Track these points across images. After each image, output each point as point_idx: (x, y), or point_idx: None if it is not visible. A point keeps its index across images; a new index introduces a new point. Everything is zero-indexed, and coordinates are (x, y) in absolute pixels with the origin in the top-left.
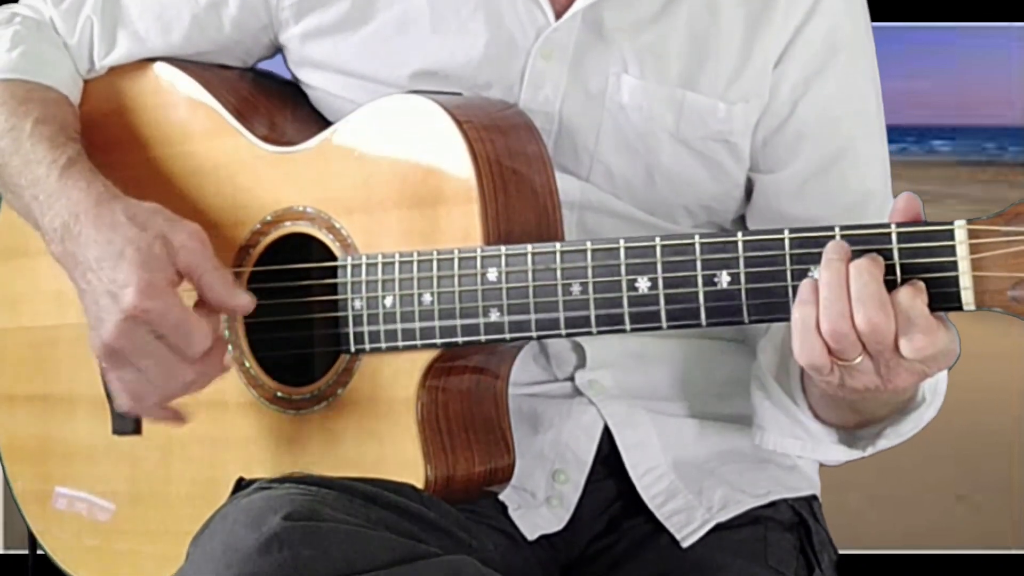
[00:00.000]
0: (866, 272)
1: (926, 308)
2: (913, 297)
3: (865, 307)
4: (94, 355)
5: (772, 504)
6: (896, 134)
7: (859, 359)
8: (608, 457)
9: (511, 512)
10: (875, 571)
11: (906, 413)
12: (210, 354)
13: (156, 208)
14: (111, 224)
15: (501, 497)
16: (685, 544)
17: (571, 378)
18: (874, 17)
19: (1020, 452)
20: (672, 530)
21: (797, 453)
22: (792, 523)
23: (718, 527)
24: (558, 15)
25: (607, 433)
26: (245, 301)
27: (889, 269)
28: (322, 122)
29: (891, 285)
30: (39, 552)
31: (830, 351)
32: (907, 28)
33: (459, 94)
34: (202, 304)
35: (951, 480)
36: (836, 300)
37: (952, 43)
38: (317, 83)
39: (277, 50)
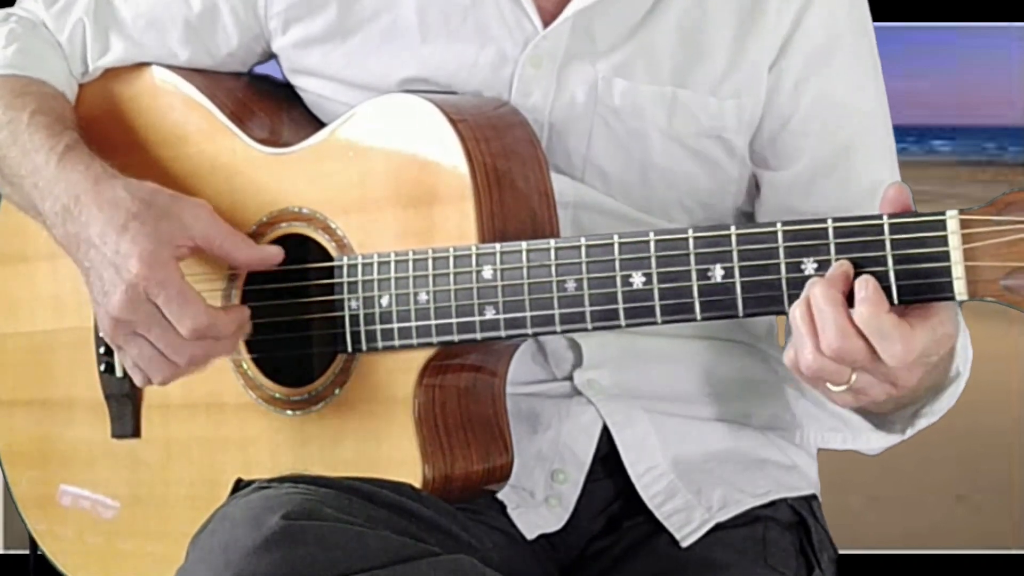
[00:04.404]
0: (821, 300)
1: (892, 318)
2: (875, 313)
3: (826, 337)
4: (104, 334)
5: (772, 503)
6: (896, 134)
7: (854, 378)
8: (607, 457)
9: (510, 511)
10: (875, 571)
11: (942, 389)
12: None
13: (157, 187)
14: (112, 200)
15: (500, 496)
16: (684, 544)
17: (569, 377)
18: (874, 17)
19: (1020, 452)
20: (671, 530)
21: (838, 446)
22: (792, 522)
23: (717, 527)
24: (546, 23)
25: (606, 433)
26: (273, 251)
27: (881, 260)
28: (317, 123)
29: (883, 278)
30: (39, 552)
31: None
32: (907, 28)
33: (453, 93)
34: (230, 308)
35: (951, 480)
36: (805, 336)
37: (952, 43)
38: (310, 89)
39: (271, 56)
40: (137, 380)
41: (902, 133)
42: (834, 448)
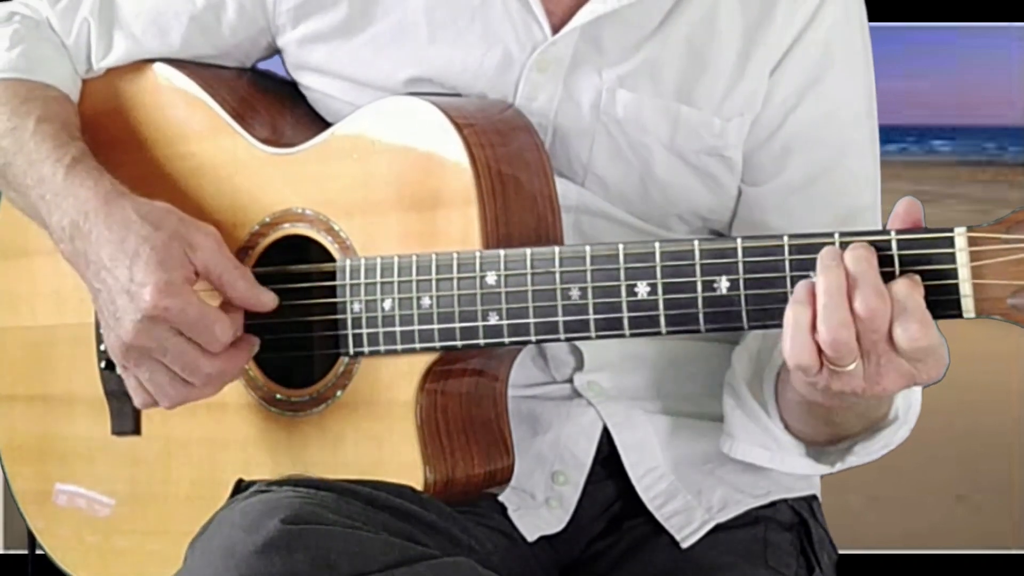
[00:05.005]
0: (863, 260)
1: (922, 300)
2: (910, 288)
3: (863, 293)
4: (111, 354)
5: (772, 504)
6: (896, 134)
7: (853, 365)
8: (607, 458)
9: (510, 513)
10: (875, 571)
11: (878, 430)
12: (233, 348)
13: (168, 207)
14: (123, 222)
15: (500, 498)
16: (685, 545)
17: (570, 380)
18: (874, 17)
19: (1020, 452)
20: (672, 531)
21: (764, 464)
22: (792, 523)
23: (718, 527)
24: (555, 29)
25: (606, 434)
26: (269, 298)
27: (889, 276)
28: (321, 123)
29: None
30: (39, 552)
31: (825, 358)
32: (907, 28)
33: (458, 95)
34: (225, 303)
35: (951, 480)
36: (837, 308)
37: (952, 43)
38: (315, 86)
39: (275, 51)
40: (139, 401)
41: (902, 133)
42: (761, 464)
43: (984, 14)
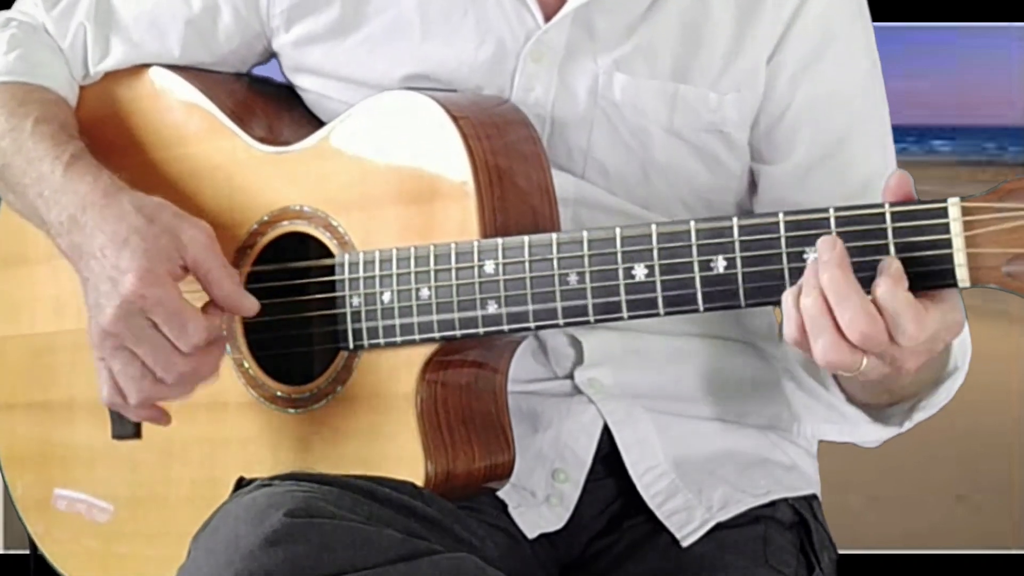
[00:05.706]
0: (841, 283)
1: (907, 296)
2: (893, 290)
3: (852, 321)
4: (92, 344)
5: (772, 503)
6: (896, 134)
7: (863, 365)
8: (608, 456)
9: (511, 510)
10: (875, 571)
11: (939, 383)
12: (206, 351)
13: (164, 203)
14: (118, 214)
15: (501, 495)
16: (685, 543)
17: (570, 376)
18: (874, 17)
19: (1020, 452)
20: (672, 529)
21: (835, 437)
22: (792, 522)
23: (718, 526)
24: (547, 17)
25: (607, 432)
26: (251, 303)
27: (883, 248)
28: (317, 123)
29: None
30: (39, 553)
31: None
32: (907, 28)
33: (454, 90)
34: (207, 304)
35: (951, 480)
36: (823, 331)
37: (952, 43)
38: (311, 87)
39: (271, 56)
40: (105, 395)
41: (902, 133)
42: (832, 440)
43: (984, 14)
